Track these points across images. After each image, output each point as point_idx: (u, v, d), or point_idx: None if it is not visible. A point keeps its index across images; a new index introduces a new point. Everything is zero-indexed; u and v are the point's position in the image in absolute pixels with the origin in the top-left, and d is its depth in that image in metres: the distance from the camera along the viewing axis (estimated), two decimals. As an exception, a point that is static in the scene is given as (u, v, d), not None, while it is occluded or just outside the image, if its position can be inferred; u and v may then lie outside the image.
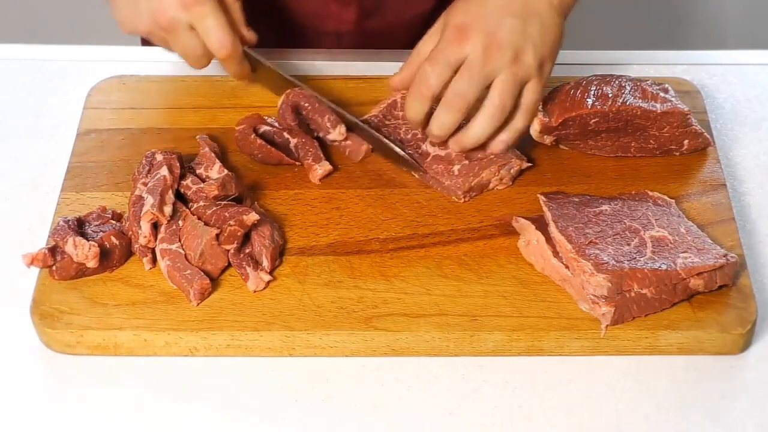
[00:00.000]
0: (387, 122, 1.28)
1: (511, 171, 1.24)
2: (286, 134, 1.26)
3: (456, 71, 1.19)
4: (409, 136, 1.26)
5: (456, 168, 1.23)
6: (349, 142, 1.26)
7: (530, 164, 1.24)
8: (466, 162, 1.23)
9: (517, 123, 1.22)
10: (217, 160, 1.22)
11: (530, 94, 1.21)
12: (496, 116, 1.19)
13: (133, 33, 1.27)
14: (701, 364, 1.12)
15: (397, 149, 1.24)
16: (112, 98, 1.34)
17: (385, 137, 1.25)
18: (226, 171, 1.21)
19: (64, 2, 2.59)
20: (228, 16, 1.24)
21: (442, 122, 1.21)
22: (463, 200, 1.22)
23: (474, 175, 1.22)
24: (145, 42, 1.54)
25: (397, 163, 1.25)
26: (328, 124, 1.25)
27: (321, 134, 1.27)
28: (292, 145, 1.25)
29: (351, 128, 1.27)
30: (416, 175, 1.24)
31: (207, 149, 1.24)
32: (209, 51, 1.25)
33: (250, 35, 1.29)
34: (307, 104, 1.27)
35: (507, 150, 1.23)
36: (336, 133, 1.25)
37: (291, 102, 1.27)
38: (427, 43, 1.23)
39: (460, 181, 1.22)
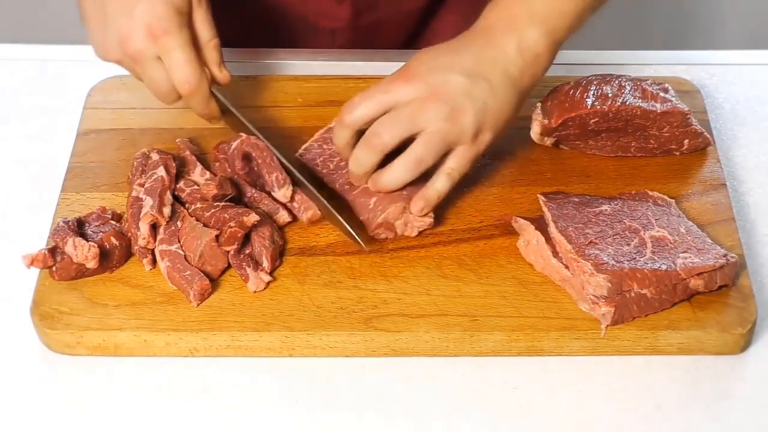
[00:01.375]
0: (325, 147, 1.24)
1: (416, 223, 1.19)
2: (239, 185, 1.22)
3: (387, 109, 1.15)
4: (342, 163, 1.22)
5: (372, 201, 1.19)
6: (295, 204, 1.20)
7: (432, 220, 1.19)
8: (381, 195, 1.19)
9: (437, 184, 1.16)
10: (199, 163, 1.22)
11: (456, 158, 1.15)
12: (412, 168, 1.15)
13: (104, 60, 1.22)
14: (701, 364, 1.12)
15: (343, 222, 1.17)
16: (112, 98, 1.34)
17: (335, 208, 1.18)
18: (208, 173, 1.21)
19: (64, 2, 2.59)
20: (200, 53, 1.20)
21: (357, 158, 1.17)
22: (381, 236, 1.18)
23: (382, 210, 1.18)
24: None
25: (342, 232, 1.18)
26: (275, 183, 1.19)
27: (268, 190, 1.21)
28: (246, 198, 1.21)
29: (300, 187, 1.20)
30: (365, 247, 1.17)
31: (187, 152, 1.23)
32: None
33: (222, 76, 1.23)
34: (257, 156, 1.20)
35: (426, 210, 1.17)
36: (281, 194, 1.19)
37: (242, 151, 1.20)
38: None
39: (370, 216, 1.18)
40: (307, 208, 1.19)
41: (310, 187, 1.19)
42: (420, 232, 1.19)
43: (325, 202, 1.18)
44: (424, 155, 1.14)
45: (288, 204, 1.20)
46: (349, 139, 1.18)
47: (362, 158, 1.16)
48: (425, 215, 1.18)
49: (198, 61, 1.19)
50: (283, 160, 1.21)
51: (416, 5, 1.49)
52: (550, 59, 1.18)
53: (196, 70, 1.19)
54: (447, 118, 1.13)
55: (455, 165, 1.16)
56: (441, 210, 1.21)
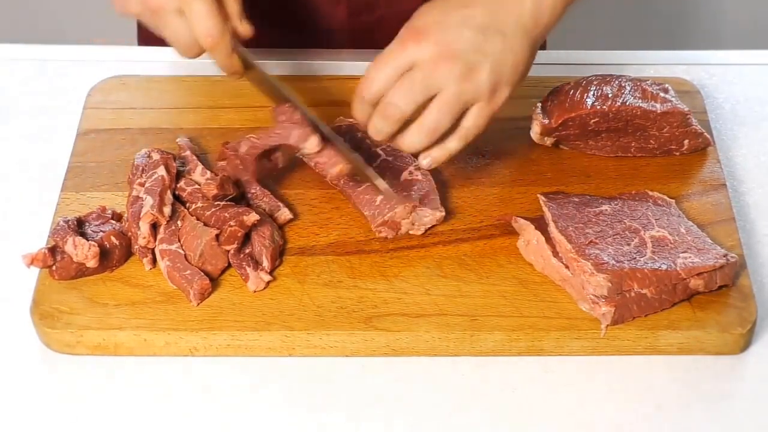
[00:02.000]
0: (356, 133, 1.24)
1: (424, 220, 1.19)
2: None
3: (402, 74, 1.13)
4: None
5: (378, 198, 1.19)
6: (324, 159, 1.18)
7: (443, 214, 1.19)
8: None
9: (450, 144, 1.15)
10: (199, 163, 1.22)
11: (473, 117, 1.13)
12: (428, 134, 1.13)
13: (124, 14, 1.20)
14: (701, 364, 1.12)
15: (375, 174, 1.17)
16: (112, 98, 1.34)
17: (366, 162, 1.18)
18: (208, 173, 1.21)
19: (64, 2, 2.60)
20: (221, 6, 1.18)
21: (375, 127, 1.15)
22: (382, 234, 1.18)
23: (390, 209, 1.18)
24: (144, 42, 1.54)
25: (372, 186, 1.18)
26: (300, 139, 1.17)
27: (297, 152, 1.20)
28: (248, 195, 1.21)
29: (330, 143, 1.18)
30: (398, 200, 1.17)
31: (188, 152, 1.23)
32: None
33: (244, 29, 1.20)
34: (285, 120, 1.19)
35: (433, 166, 1.17)
36: (309, 146, 1.17)
37: (258, 152, 1.20)
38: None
39: (376, 212, 1.18)
40: (335, 163, 1.17)
41: (339, 141, 1.18)
42: (426, 230, 1.19)
43: (355, 155, 1.17)
44: (440, 120, 1.12)
45: (315, 157, 1.18)
46: (370, 112, 1.15)
47: (381, 127, 1.14)
48: (438, 211, 1.19)
49: (220, 13, 1.17)
50: (311, 115, 1.19)
51: (415, 4, 1.48)
52: (562, 12, 1.15)
53: (219, 22, 1.16)
54: (461, 77, 1.11)
55: (470, 125, 1.14)
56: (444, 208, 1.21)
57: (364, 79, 1.15)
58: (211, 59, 1.20)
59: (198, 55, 1.19)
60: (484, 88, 1.12)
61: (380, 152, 1.24)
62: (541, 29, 1.14)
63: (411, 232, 1.19)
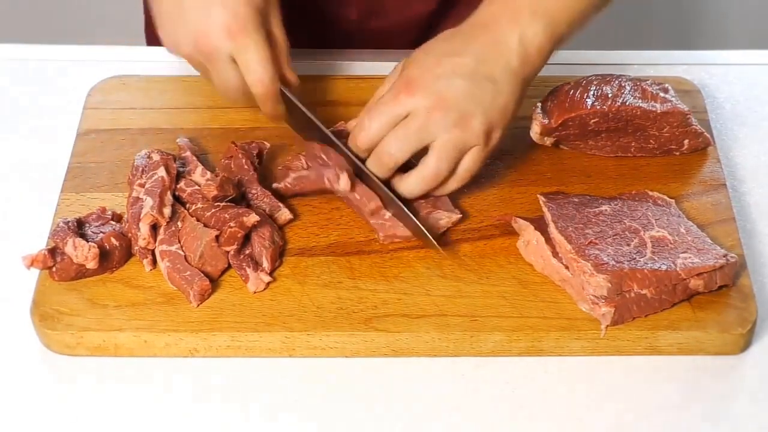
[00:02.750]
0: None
1: (440, 223, 1.19)
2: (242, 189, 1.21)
3: (397, 124, 1.15)
4: None
5: (388, 214, 1.18)
6: (356, 195, 1.19)
7: (459, 215, 1.20)
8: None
9: (446, 187, 1.18)
10: (199, 164, 1.22)
11: (469, 161, 1.16)
12: (429, 180, 1.16)
13: (174, 53, 1.22)
14: (701, 364, 1.12)
15: (411, 215, 1.17)
16: (112, 98, 1.34)
17: (404, 205, 1.18)
18: (209, 174, 1.21)
19: (64, 2, 2.60)
20: (273, 53, 1.20)
21: (372, 172, 1.18)
22: (386, 241, 1.18)
23: (402, 227, 1.18)
24: (150, 42, 1.54)
25: (409, 228, 1.18)
26: (333, 181, 1.18)
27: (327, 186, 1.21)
28: (249, 194, 1.21)
29: (362, 179, 1.19)
30: (433, 241, 1.17)
31: (188, 152, 1.23)
32: (246, 86, 1.20)
33: (292, 78, 1.24)
34: (326, 160, 1.20)
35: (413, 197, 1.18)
36: (341, 185, 1.18)
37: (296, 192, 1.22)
38: (384, 88, 1.20)
39: (387, 225, 1.18)
40: (370, 199, 1.18)
41: (378, 180, 1.18)
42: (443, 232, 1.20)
43: (392, 195, 1.18)
44: (440, 167, 1.15)
45: (349, 195, 1.19)
46: (365, 157, 1.19)
47: (375, 172, 1.18)
48: (454, 213, 1.19)
49: (272, 61, 1.19)
50: (350, 155, 1.20)
51: (425, 8, 1.48)
52: (551, 51, 1.18)
53: (271, 70, 1.19)
54: (456, 125, 1.14)
55: (465, 168, 1.17)
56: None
57: (359, 127, 1.17)
58: (259, 105, 1.22)
59: (241, 99, 1.22)
60: (478, 134, 1.15)
61: None
62: (529, 70, 1.17)
63: None
